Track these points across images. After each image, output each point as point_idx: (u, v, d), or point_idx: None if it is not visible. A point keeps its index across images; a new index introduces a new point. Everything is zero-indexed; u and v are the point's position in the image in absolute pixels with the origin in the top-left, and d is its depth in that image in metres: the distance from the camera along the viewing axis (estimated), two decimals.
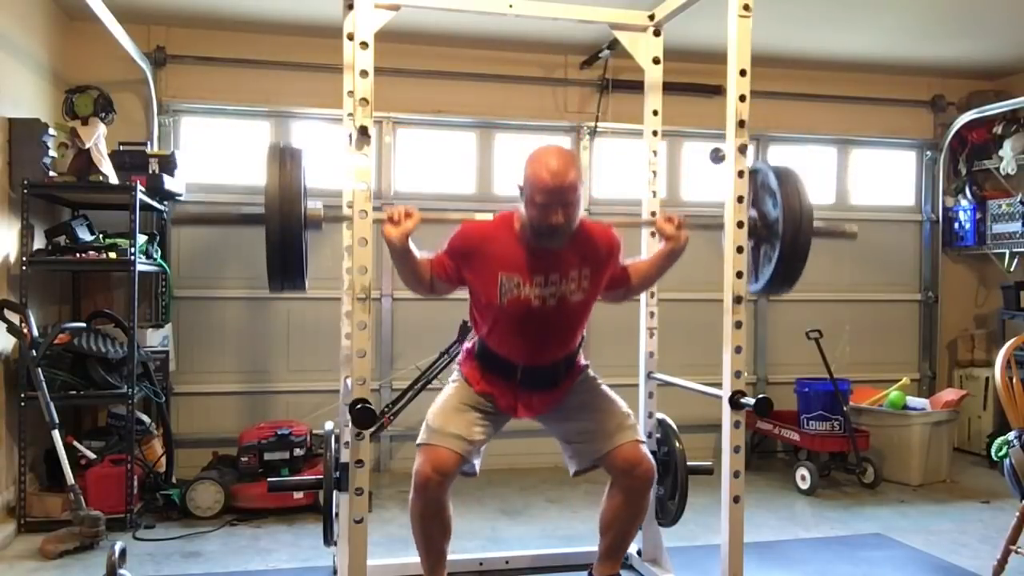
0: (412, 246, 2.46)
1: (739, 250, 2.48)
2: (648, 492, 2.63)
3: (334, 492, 2.86)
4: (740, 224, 2.47)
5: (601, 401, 2.66)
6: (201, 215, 2.64)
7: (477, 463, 2.61)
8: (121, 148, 4.14)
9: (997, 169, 5.42)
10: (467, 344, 2.74)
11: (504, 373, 2.59)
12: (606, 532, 2.71)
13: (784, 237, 2.51)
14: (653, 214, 2.77)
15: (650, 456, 2.62)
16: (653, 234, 2.90)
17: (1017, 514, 2.95)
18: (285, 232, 2.28)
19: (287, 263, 2.32)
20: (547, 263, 2.48)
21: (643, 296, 3.16)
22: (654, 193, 3.15)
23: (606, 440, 2.58)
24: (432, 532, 2.54)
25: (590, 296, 2.58)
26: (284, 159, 2.33)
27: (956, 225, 5.67)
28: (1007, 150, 5.30)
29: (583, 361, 2.74)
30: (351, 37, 2.70)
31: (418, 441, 2.56)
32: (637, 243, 3.13)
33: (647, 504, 2.68)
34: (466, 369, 2.67)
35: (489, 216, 2.63)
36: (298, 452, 4.05)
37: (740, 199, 2.47)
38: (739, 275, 2.48)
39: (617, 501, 2.64)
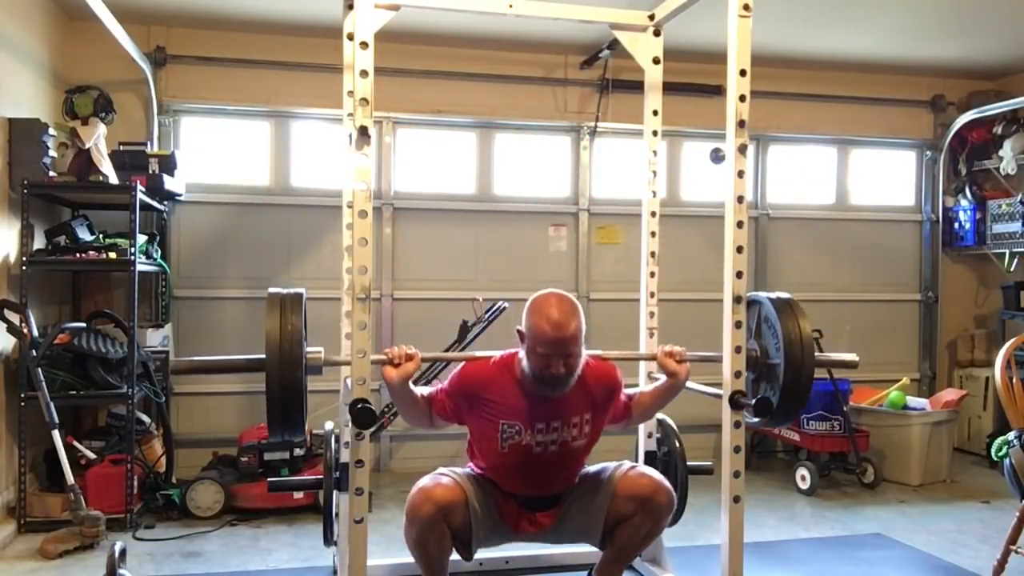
0: (412, 386, 2.46)
1: (739, 250, 2.47)
2: (668, 515, 2.58)
3: (334, 492, 2.86)
4: (740, 224, 2.47)
5: (586, 476, 2.64)
6: (200, 365, 2.63)
7: (475, 545, 2.52)
8: (121, 148, 4.14)
9: (997, 169, 5.42)
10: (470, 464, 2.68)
11: (506, 496, 2.58)
12: (615, 542, 2.63)
13: (785, 381, 2.50)
14: (655, 358, 2.74)
15: (664, 480, 2.56)
16: (651, 375, 2.90)
17: (1017, 514, 2.95)
18: (285, 383, 2.24)
19: (287, 412, 2.28)
20: (548, 410, 2.47)
21: (643, 296, 3.15)
22: (654, 193, 3.15)
23: (607, 489, 2.55)
24: (431, 557, 2.47)
25: (591, 439, 2.58)
26: (284, 306, 2.31)
27: (956, 225, 5.67)
28: (1007, 150, 5.30)
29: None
30: (351, 37, 2.70)
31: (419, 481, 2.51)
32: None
33: (664, 527, 2.62)
34: (476, 472, 2.62)
35: (493, 353, 2.57)
36: (298, 452, 4.06)
37: (740, 199, 2.47)
38: (739, 275, 2.47)
39: (635, 521, 2.55)
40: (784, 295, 2.65)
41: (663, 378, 2.65)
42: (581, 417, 2.52)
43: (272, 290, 2.39)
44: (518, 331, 2.44)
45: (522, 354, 2.43)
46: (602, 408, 2.58)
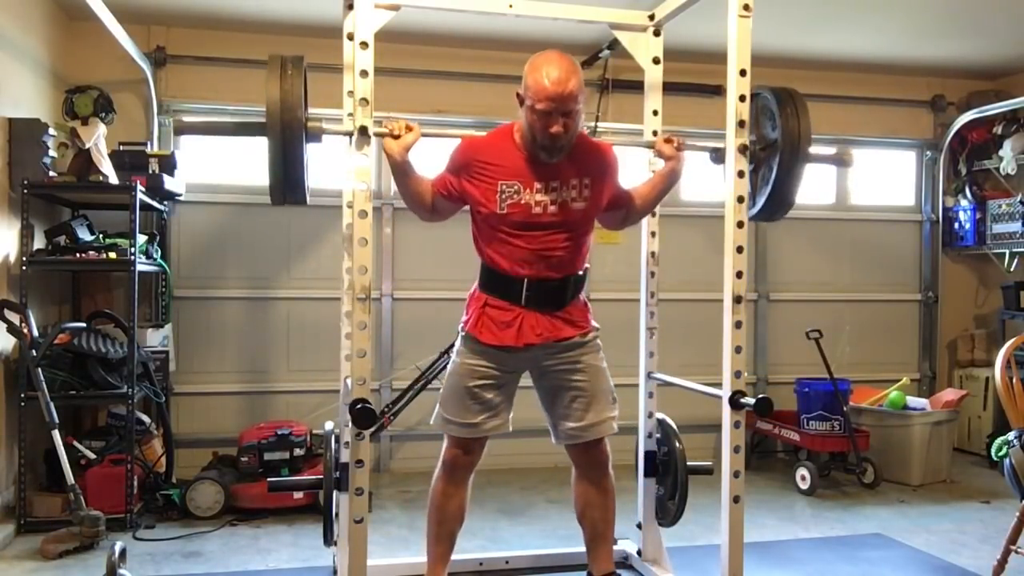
0: (413, 164, 2.49)
1: (739, 250, 2.48)
2: (605, 473, 2.71)
3: (334, 492, 2.86)
4: (740, 224, 2.47)
5: (594, 382, 2.66)
6: (199, 124, 2.73)
7: (504, 421, 2.66)
8: (121, 148, 4.13)
9: (997, 169, 5.42)
10: (471, 293, 2.71)
11: (510, 292, 2.55)
12: (583, 523, 2.78)
13: (781, 157, 2.51)
14: (655, 133, 2.79)
15: (607, 444, 2.71)
16: (653, 160, 2.91)
17: (1017, 514, 2.95)
18: (286, 142, 2.30)
19: (288, 175, 2.35)
20: (547, 170, 2.50)
21: (643, 296, 3.15)
22: None
23: (575, 430, 2.65)
24: (450, 512, 2.64)
25: (591, 206, 2.58)
26: (285, 69, 2.34)
27: (956, 225, 5.67)
28: (1007, 150, 5.30)
29: (592, 318, 2.71)
30: (351, 37, 2.70)
31: (435, 423, 2.66)
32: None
33: (611, 486, 2.74)
34: (470, 315, 2.64)
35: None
36: (298, 452, 4.05)
37: (740, 199, 2.47)
38: (739, 275, 2.48)
39: (581, 488, 2.75)
40: (784, 86, 2.65)
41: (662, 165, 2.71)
42: (580, 180, 2.55)
43: (273, 53, 2.40)
44: (517, 94, 2.47)
45: (522, 119, 2.47)
46: (600, 178, 2.60)
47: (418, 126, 2.48)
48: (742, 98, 2.43)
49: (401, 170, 2.50)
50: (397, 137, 2.44)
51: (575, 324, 2.63)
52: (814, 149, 2.57)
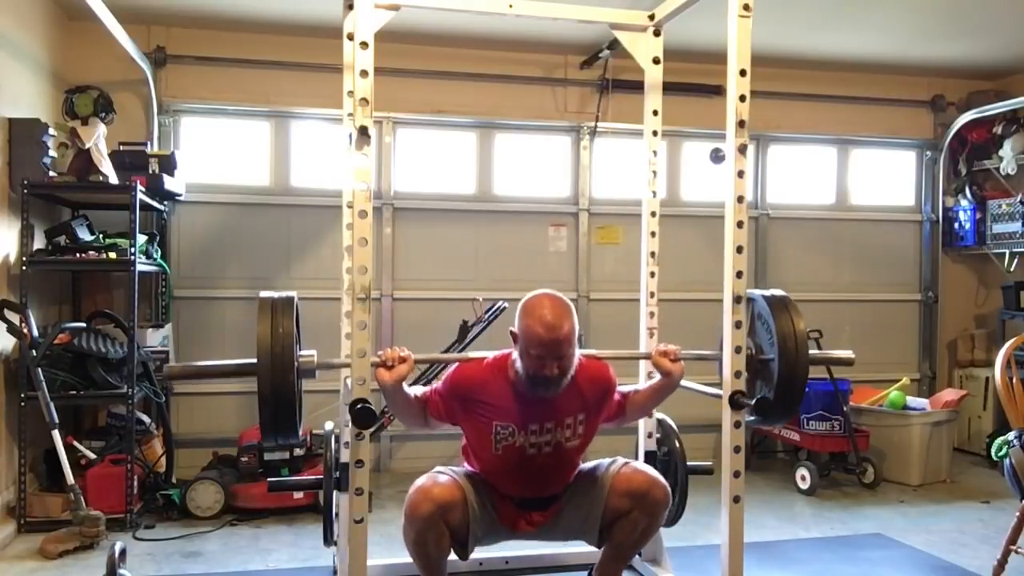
0: (406, 388, 2.45)
1: (739, 250, 2.47)
2: (664, 511, 2.58)
3: (334, 492, 2.86)
4: (740, 224, 2.47)
5: (582, 473, 2.65)
6: (193, 371, 2.65)
7: (471, 544, 2.53)
8: (121, 148, 4.14)
9: (997, 169, 5.42)
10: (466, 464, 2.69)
11: (503, 497, 2.59)
12: (612, 539, 2.63)
13: (780, 379, 2.49)
14: (649, 357, 2.74)
15: (659, 476, 2.58)
16: (650, 374, 2.87)
17: (1017, 514, 2.95)
18: (277, 387, 2.23)
19: (279, 417, 2.26)
20: (541, 411, 2.47)
21: (643, 296, 3.15)
22: (654, 193, 3.14)
23: (602, 485, 2.56)
24: (429, 558, 2.48)
25: (585, 439, 2.58)
26: (275, 311, 2.30)
27: (956, 225, 5.67)
28: (1007, 150, 5.30)
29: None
30: (351, 37, 2.69)
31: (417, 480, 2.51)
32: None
33: (661, 523, 2.63)
34: (472, 472, 2.63)
35: (487, 353, 2.57)
36: (298, 452, 4.05)
37: (740, 199, 2.47)
38: (739, 275, 2.47)
39: (632, 517, 2.55)
40: (778, 292, 2.64)
41: (658, 376, 2.64)
42: (575, 418, 2.52)
43: (263, 294, 2.38)
44: (511, 332, 2.43)
45: (515, 355, 2.42)
46: (596, 408, 2.58)
47: (411, 357, 2.39)
48: (742, 98, 2.43)
49: (393, 398, 2.46)
50: (390, 368, 2.37)
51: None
52: (813, 352, 2.54)
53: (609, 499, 2.55)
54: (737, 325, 2.48)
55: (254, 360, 2.24)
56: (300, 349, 2.36)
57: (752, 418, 2.60)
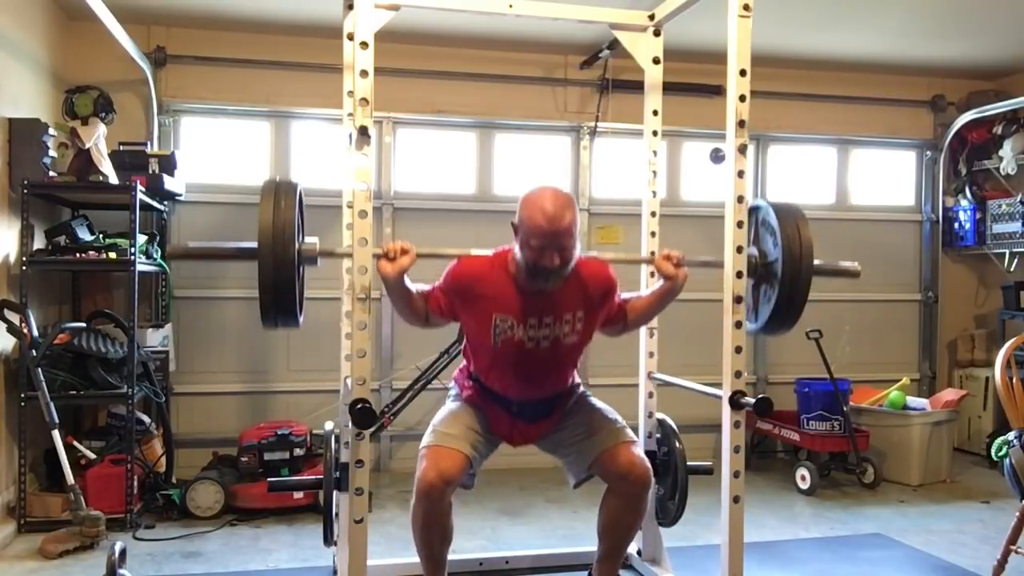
0: (407, 281, 2.46)
1: (739, 250, 2.48)
2: (645, 495, 2.60)
3: (334, 492, 2.86)
4: (740, 224, 2.47)
5: (591, 412, 2.66)
6: (193, 250, 2.65)
7: (475, 477, 2.59)
8: (121, 148, 4.14)
9: (997, 169, 5.42)
10: (462, 367, 2.73)
11: (499, 403, 2.61)
12: (604, 536, 2.69)
13: (783, 279, 2.48)
14: (652, 253, 2.74)
15: (645, 459, 2.58)
16: (652, 274, 2.88)
17: (1017, 514, 2.95)
18: (279, 270, 2.24)
19: (280, 302, 2.27)
20: (541, 305, 2.47)
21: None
22: (654, 193, 3.15)
23: (597, 445, 2.56)
24: (433, 539, 2.51)
25: (584, 337, 2.58)
26: (279, 194, 2.30)
27: (956, 225, 5.67)
28: (1007, 150, 5.30)
29: (577, 382, 2.75)
30: (351, 37, 2.70)
31: (422, 445, 2.54)
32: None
33: (645, 508, 2.65)
34: (464, 391, 2.68)
35: (486, 251, 2.58)
36: (298, 452, 4.05)
37: (740, 199, 2.47)
38: (739, 275, 2.48)
39: (614, 506, 2.61)
40: (786, 201, 2.63)
41: (661, 283, 2.64)
42: (574, 314, 2.52)
43: (267, 179, 2.37)
44: (512, 224, 2.43)
45: (516, 248, 2.43)
46: (596, 307, 2.58)
47: (414, 249, 2.41)
48: (742, 98, 2.43)
49: (395, 290, 2.47)
50: (392, 260, 2.39)
51: (562, 409, 2.68)
52: (817, 261, 2.52)
53: (595, 463, 2.57)
54: (737, 325, 2.48)
55: (255, 244, 2.25)
56: (303, 237, 2.35)
57: (755, 326, 2.59)
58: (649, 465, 2.58)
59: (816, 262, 2.51)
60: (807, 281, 2.49)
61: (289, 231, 2.26)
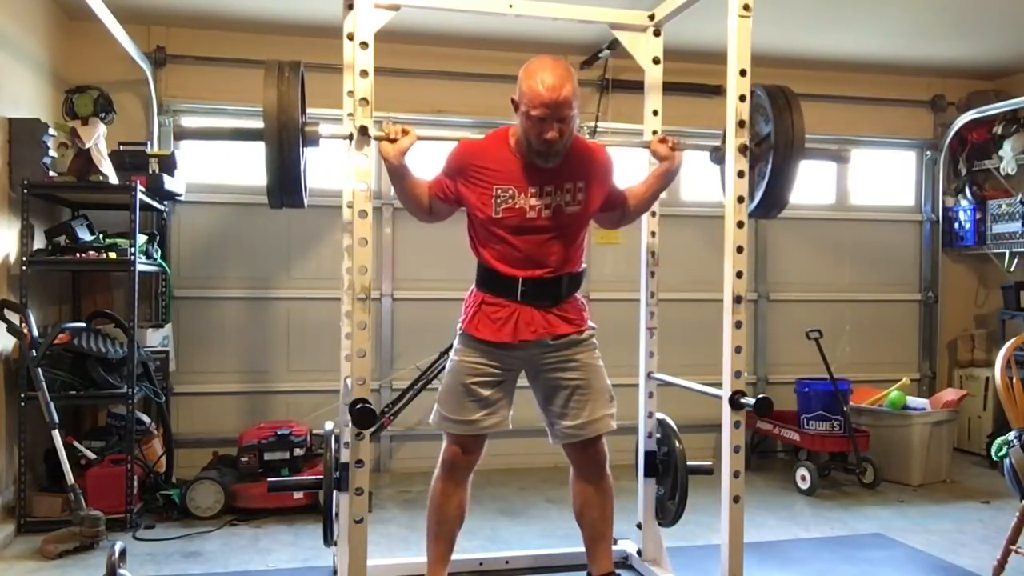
0: (410, 167, 2.51)
1: (739, 250, 2.48)
2: (603, 472, 2.70)
3: (334, 492, 2.87)
4: (740, 224, 2.47)
5: (591, 380, 2.66)
6: (198, 130, 2.76)
7: (503, 419, 2.66)
8: (121, 148, 4.13)
9: (997, 169, 5.43)
10: (469, 295, 2.74)
11: (505, 290, 2.59)
12: (582, 524, 2.78)
13: (775, 153, 2.51)
14: (654, 132, 2.79)
15: (604, 445, 2.70)
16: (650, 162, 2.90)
17: (1017, 514, 2.95)
18: (283, 146, 2.31)
19: (285, 181, 2.35)
20: (541, 174, 2.51)
21: (643, 296, 3.15)
22: None
23: (572, 428, 2.64)
24: (449, 512, 2.63)
25: (585, 208, 2.60)
26: (283, 74, 2.35)
27: (956, 225, 5.67)
28: (1007, 150, 5.30)
29: (588, 317, 2.71)
30: (351, 37, 2.70)
31: (434, 422, 2.66)
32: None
33: (609, 486, 2.74)
34: (467, 314, 2.67)
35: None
36: (298, 452, 4.05)
37: (740, 199, 2.47)
38: (739, 275, 2.48)
39: (578, 488, 2.75)
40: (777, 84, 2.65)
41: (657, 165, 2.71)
42: (574, 184, 2.56)
43: (270, 60, 2.41)
44: (512, 99, 2.48)
45: (516, 123, 2.47)
46: (595, 180, 2.61)
47: (414, 130, 2.48)
48: (742, 98, 2.44)
49: (398, 173, 2.52)
50: (394, 141, 2.44)
51: (571, 322, 2.64)
52: (810, 144, 2.56)
53: (565, 445, 2.71)
54: (737, 325, 2.48)
55: (260, 126, 2.31)
56: (305, 117, 2.40)
57: (749, 207, 2.60)
58: (606, 448, 2.70)
59: (808, 146, 2.56)
60: (798, 156, 2.55)
61: (294, 111, 2.32)
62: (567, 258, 2.62)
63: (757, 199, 2.64)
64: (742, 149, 2.47)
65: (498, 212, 2.52)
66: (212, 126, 2.63)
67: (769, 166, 2.54)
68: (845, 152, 2.76)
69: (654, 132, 3.04)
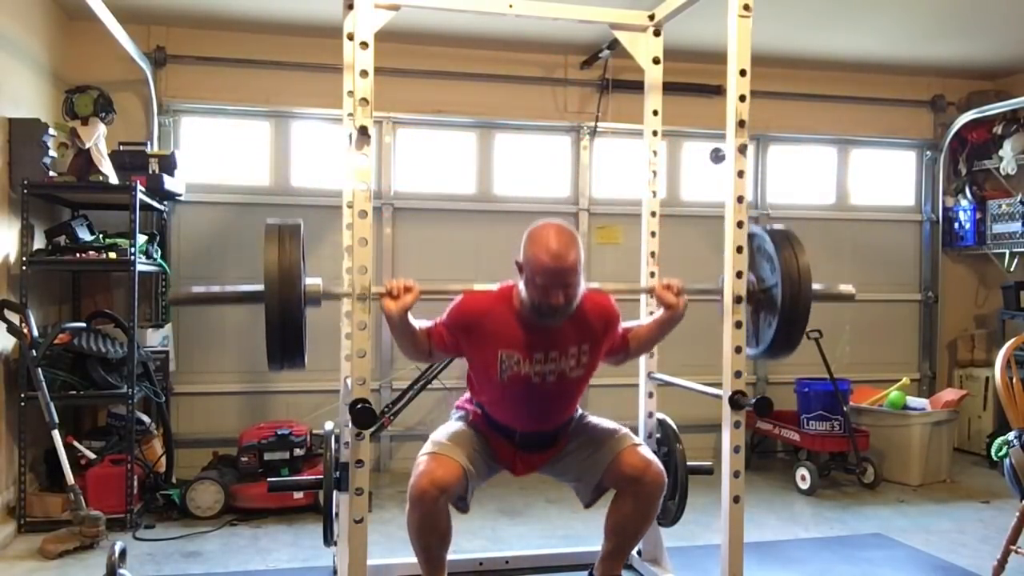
0: (411, 318, 2.47)
1: (739, 250, 2.48)
2: (659, 497, 2.60)
3: (334, 492, 2.86)
4: (740, 224, 2.47)
5: (592, 429, 2.68)
6: (199, 296, 2.64)
7: (468, 500, 2.58)
8: (121, 148, 4.13)
9: (997, 169, 5.42)
10: (466, 397, 2.73)
11: (504, 433, 2.62)
12: (612, 536, 2.68)
13: (783, 305, 2.48)
14: (652, 278, 2.76)
15: (657, 460, 2.61)
16: (652, 313, 2.87)
17: (1017, 514, 2.95)
18: (285, 313, 2.24)
19: (287, 343, 2.28)
20: (546, 340, 2.48)
21: (643, 296, 3.16)
22: (654, 193, 3.15)
23: (607, 454, 2.57)
24: (430, 543, 2.50)
25: (589, 370, 2.60)
26: (283, 237, 2.31)
27: (956, 225, 5.67)
28: (1007, 150, 5.30)
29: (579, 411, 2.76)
30: (351, 37, 2.70)
31: (419, 454, 2.54)
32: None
33: (657, 509, 2.65)
34: (469, 415, 2.68)
35: (491, 286, 2.59)
36: (298, 452, 4.05)
37: (740, 199, 2.47)
38: (739, 275, 2.48)
39: (627, 507, 2.60)
40: (780, 227, 2.63)
41: (661, 311, 2.65)
42: (579, 348, 2.53)
43: (270, 221, 2.38)
44: (516, 263, 2.45)
45: (520, 285, 2.44)
46: (600, 339, 2.59)
47: (417, 287, 2.42)
48: (742, 98, 2.43)
49: (399, 328, 2.47)
50: (396, 298, 2.39)
51: (566, 435, 2.69)
52: (815, 286, 2.53)
53: (607, 473, 2.58)
54: (737, 325, 2.48)
55: (261, 287, 2.26)
56: (305, 277, 2.37)
57: (756, 351, 2.60)
58: (662, 467, 2.60)
59: (815, 287, 2.52)
60: (807, 307, 2.50)
61: (296, 272, 2.27)
62: (566, 411, 2.66)
63: (765, 345, 2.60)
64: (742, 149, 2.47)
65: (503, 378, 2.50)
66: (216, 291, 2.57)
67: (778, 313, 2.50)
68: (850, 291, 2.74)
69: (652, 274, 3.05)
